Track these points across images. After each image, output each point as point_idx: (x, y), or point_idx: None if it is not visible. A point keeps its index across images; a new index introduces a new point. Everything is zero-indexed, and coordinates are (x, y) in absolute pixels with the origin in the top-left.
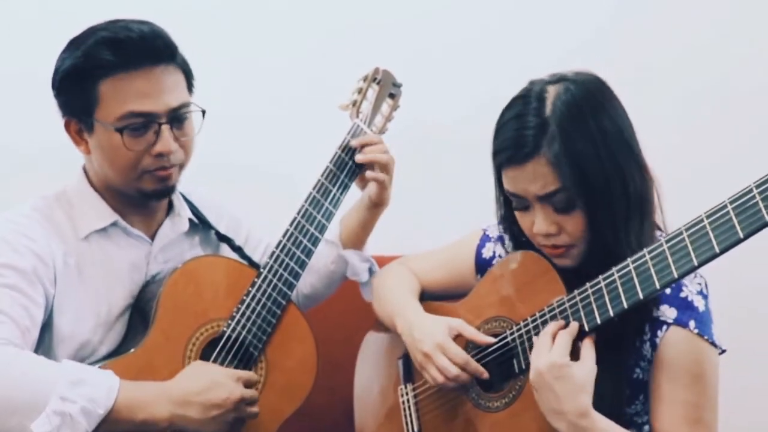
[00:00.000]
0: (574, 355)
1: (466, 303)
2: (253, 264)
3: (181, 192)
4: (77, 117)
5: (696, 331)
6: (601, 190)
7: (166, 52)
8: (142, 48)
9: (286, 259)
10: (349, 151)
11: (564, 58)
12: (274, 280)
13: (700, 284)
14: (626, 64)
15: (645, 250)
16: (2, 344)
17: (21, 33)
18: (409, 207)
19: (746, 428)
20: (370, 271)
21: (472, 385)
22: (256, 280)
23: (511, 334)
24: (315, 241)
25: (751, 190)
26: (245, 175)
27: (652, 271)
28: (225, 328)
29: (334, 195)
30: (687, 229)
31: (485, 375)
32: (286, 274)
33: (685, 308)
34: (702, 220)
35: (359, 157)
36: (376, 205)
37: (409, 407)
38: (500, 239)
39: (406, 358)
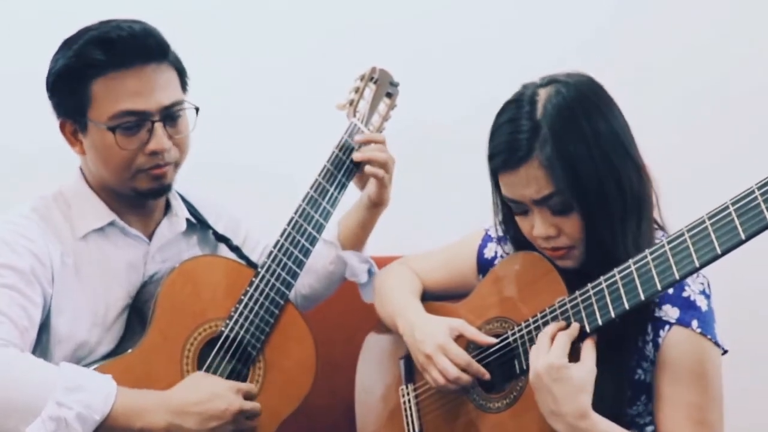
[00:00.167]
0: (574, 356)
1: (467, 303)
2: (251, 264)
3: (178, 192)
4: (71, 118)
5: (699, 330)
6: (596, 191)
7: (158, 50)
8: (133, 46)
9: (284, 259)
10: (346, 150)
11: (564, 58)
12: (272, 280)
13: (702, 284)
14: (626, 64)
15: (646, 251)
16: (2, 345)
17: (21, 33)
18: (409, 207)
19: (747, 430)
20: (369, 273)
21: (474, 385)
22: (254, 279)
23: (513, 334)
24: (313, 241)
25: (753, 192)
26: (245, 175)
27: (654, 272)
28: (223, 328)
29: (332, 194)
30: (689, 230)
31: (486, 376)
32: (284, 274)
33: (688, 308)
34: (704, 221)
35: (357, 156)
36: (376, 204)
37: (410, 408)
38: (502, 239)
39: (408, 359)
